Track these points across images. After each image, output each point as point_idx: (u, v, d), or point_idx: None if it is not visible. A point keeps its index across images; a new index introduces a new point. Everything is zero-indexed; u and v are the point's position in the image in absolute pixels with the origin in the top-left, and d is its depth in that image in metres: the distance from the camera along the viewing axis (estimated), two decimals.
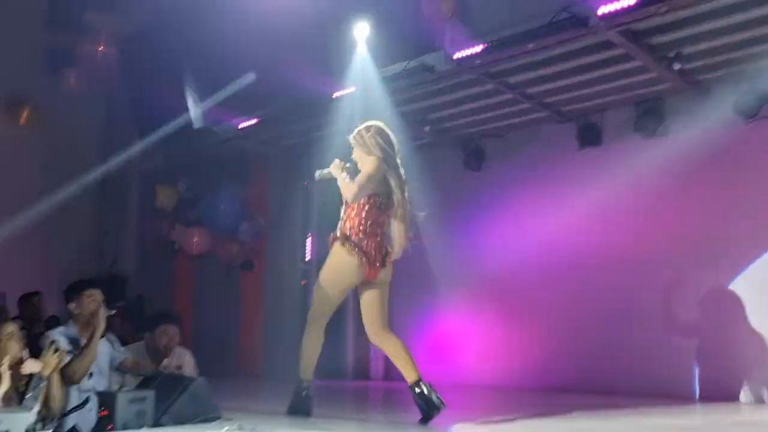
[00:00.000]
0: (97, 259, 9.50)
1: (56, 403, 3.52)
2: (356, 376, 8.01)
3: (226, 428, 3.58)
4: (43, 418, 3.42)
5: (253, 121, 7.42)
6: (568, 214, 6.54)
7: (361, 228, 4.07)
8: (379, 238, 4.11)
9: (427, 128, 7.13)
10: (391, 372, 7.88)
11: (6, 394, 3.51)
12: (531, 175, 6.85)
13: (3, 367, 3.55)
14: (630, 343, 6.16)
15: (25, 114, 8.97)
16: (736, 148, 5.74)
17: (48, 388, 3.49)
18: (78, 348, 3.80)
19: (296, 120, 7.24)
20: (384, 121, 4.42)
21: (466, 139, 7.50)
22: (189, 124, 7.80)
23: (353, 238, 4.06)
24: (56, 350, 3.54)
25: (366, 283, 4.15)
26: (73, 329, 3.97)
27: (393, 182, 4.11)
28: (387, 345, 4.15)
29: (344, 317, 8.13)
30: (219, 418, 3.85)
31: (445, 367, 6.96)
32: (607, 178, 6.17)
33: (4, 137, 8.99)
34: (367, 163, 4.13)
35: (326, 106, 6.62)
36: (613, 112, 6.57)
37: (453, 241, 7.41)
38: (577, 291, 6.51)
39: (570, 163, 6.67)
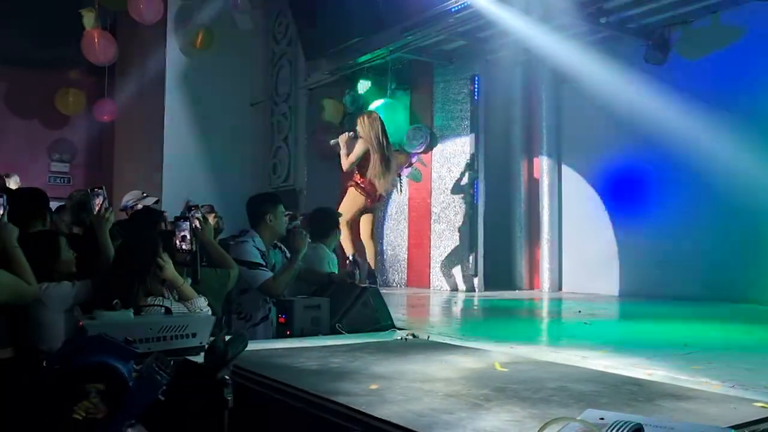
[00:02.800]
0: (271, 174, 9.88)
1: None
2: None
3: (399, 336, 3.56)
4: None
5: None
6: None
7: (361, 181, 6.52)
8: (369, 187, 6.50)
9: (603, 20, 6.47)
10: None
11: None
12: (726, 65, 6.02)
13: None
14: None
15: (200, 38, 9.34)
16: None
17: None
18: (264, 258, 4.08)
19: (460, 20, 6.85)
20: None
21: (648, 30, 6.73)
22: (351, 34, 7.71)
23: (360, 184, 6.52)
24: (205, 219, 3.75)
25: (366, 209, 6.60)
26: (260, 240, 4.13)
27: (374, 157, 6.42)
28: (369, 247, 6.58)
29: None
30: (392, 326, 3.83)
31: None
32: None
33: (179, 61, 9.48)
34: (357, 146, 6.49)
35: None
36: None
37: (631, 144, 6.86)
38: None
39: None
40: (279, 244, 4.33)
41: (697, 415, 1.96)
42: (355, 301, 3.85)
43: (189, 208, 3.95)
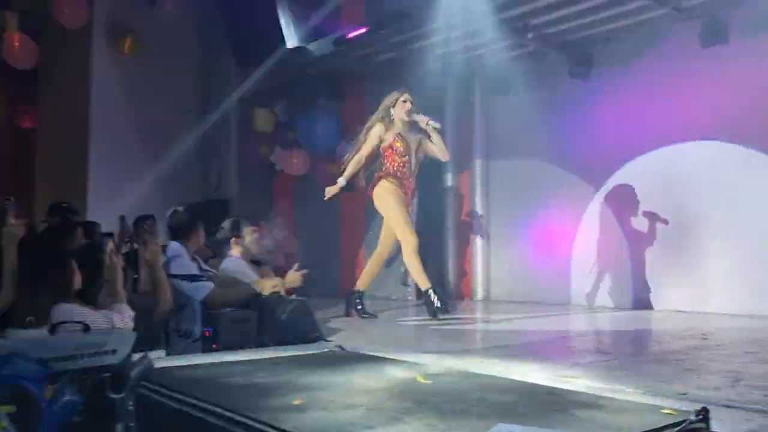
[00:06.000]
0: (202, 184, 9.73)
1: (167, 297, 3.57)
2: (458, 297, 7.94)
3: (327, 348, 3.56)
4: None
5: (362, 30, 7.03)
6: (689, 121, 6.04)
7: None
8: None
9: (530, 35, 6.65)
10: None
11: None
12: (647, 79, 6.28)
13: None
14: None
15: (128, 44, 9.12)
16: None
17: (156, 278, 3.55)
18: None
19: (392, 32, 6.92)
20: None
21: (571, 46, 6.97)
22: (284, 44, 7.69)
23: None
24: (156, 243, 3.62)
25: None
26: (186, 253, 4.08)
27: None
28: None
29: None
30: (320, 338, 3.82)
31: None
32: (734, 80, 5.57)
33: (106, 68, 9.23)
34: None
35: (423, 14, 6.27)
36: (744, 5, 5.84)
37: (557, 154, 7.07)
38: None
39: (692, 64, 6.06)
40: (196, 256, 4.27)
41: (605, 424, 2.04)
42: (282, 314, 3.83)
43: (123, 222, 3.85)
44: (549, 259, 7.17)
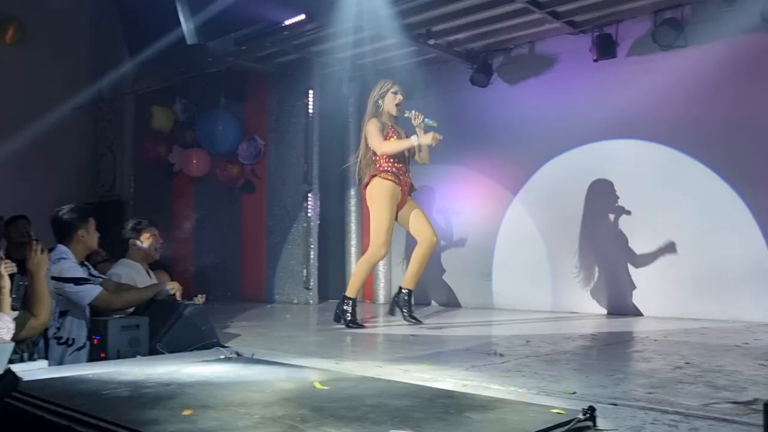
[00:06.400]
0: (94, 183, 9.30)
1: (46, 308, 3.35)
2: None
3: (223, 354, 3.46)
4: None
5: (300, 17, 6.68)
6: (582, 132, 6.30)
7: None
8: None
9: (431, 41, 6.75)
10: None
11: None
12: (543, 91, 6.50)
13: None
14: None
15: (10, 32, 8.59)
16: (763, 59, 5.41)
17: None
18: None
19: (296, 33, 6.85)
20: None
21: (473, 54, 7.13)
22: (182, 41, 7.43)
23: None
24: (42, 250, 3.38)
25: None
26: (72, 256, 3.86)
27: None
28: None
29: None
30: (217, 344, 3.71)
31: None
32: (623, 92, 5.86)
33: None
34: None
35: (326, 15, 6.22)
36: (630, 21, 6.18)
37: (460, 162, 7.20)
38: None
39: (585, 76, 6.33)
40: (85, 261, 4.07)
41: (499, 424, 2.07)
42: (176, 320, 3.70)
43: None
44: (461, 262, 7.27)
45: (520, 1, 5.93)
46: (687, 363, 3.34)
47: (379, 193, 4.98)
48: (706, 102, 5.69)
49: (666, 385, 2.79)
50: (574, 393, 2.62)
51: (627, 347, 4.27)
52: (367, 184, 5.10)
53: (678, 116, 5.82)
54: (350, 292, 5.04)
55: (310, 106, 7.75)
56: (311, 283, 7.64)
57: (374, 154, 5.05)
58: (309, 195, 7.70)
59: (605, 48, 6.22)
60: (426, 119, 5.06)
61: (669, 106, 5.85)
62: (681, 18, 5.84)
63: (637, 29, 6.11)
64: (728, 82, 5.58)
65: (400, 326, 5.63)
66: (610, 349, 4.18)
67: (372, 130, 5.02)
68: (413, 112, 5.08)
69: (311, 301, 7.58)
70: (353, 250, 8.03)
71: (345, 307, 5.02)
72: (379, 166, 5.06)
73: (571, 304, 6.38)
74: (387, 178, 4.98)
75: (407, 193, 5.18)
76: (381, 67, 7.37)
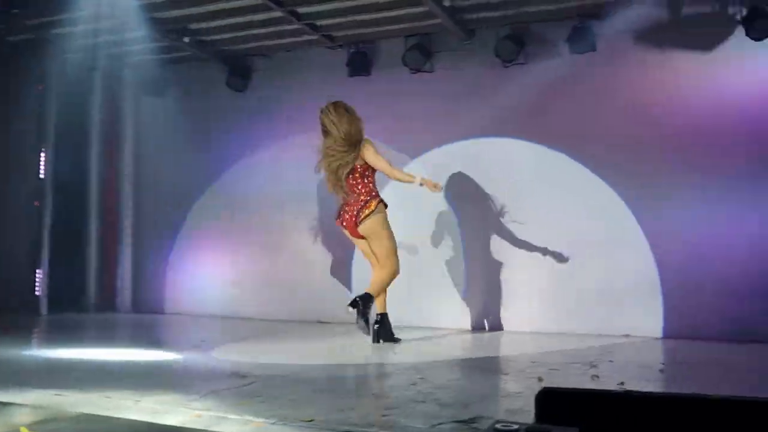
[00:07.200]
0: None
1: None
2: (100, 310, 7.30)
3: None
4: None
5: None
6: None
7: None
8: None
9: (186, 39, 6.42)
10: (139, 304, 7.31)
11: None
12: (298, 100, 6.50)
13: None
14: None
15: None
16: (498, 89, 5.93)
17: None
18: None
19: (31, 12, 6.10)
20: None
21: (230, 56, 6.92)
22: None
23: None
24: None
25: None
26: None
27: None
28: None
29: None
30: None
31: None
32: (374, 109, 6.07)
33: None
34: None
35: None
36: (384, 42, 6.43)
37: (211, 167, 6.97)
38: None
39: (339, 90, 6.43)
40: None
41: None
42: None
43: None
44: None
45: (279, 10, 5.86)
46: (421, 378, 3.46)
47: (382, 223, 4.98)
48: (449, 121, 6.09)
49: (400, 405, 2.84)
50: (312, 421, 2.55)
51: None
52: (371, 210, 4.94)
53: (424, 134, 6.18)
54: (383, 309, 5.09)
55: (45, 97, 6.97)
56: (41, 290, 6.87)
57: (368, 169, 5.00)
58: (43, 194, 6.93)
59: (360, 65, 6.41)
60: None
61: (418, 124, 6.17)
62: (428, 46, 6.20)
63: (391, 51, 6.37)
64: (466, 107, 6.03)
65: (136, 341, 5.20)
66: (366, 369, 4.19)
67: (375, 150, 4.99)
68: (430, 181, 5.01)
69: (43, 311, 6.79)
70: (92, 257, 7.38)
71: (386, 325, 5.07)
72: (374, 189, 5.04)
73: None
74: (382, 210, 5.01)
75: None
76: (130, 59, 6.89)
